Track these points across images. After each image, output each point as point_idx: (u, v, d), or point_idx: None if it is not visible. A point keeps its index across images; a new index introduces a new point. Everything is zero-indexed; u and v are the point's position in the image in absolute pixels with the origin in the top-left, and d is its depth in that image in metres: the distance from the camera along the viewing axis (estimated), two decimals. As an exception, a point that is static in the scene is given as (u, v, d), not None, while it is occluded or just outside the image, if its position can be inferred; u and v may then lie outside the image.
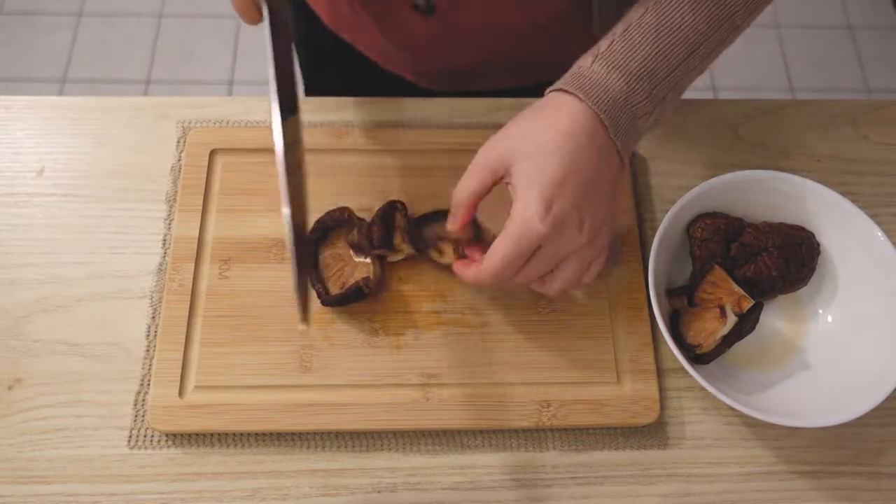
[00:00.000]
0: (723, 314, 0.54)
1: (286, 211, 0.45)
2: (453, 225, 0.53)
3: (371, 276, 0.55)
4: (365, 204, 0.61)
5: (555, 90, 0.51)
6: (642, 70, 0.49)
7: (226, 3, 1.90)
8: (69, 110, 0.66)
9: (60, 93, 1.73)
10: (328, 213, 0.58)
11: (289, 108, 0.48)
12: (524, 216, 0.47)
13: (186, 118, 0.66)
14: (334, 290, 0.56)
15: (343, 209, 0.58)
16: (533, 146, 0.49)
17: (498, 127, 0.65)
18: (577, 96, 0.49)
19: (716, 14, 0.50)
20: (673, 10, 0.50)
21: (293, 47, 0.52)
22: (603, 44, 0.51)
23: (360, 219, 0.58)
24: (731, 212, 0.60)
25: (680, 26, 0.50)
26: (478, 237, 0.56)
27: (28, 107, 0.66)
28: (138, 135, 0.65)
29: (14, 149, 0.64)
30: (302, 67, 0.90)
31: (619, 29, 0.51)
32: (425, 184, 0.62)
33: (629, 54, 0.50)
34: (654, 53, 0.50)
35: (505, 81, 0.74)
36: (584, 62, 0.51)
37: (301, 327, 0.46)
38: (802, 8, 1.91)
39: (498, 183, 0.51)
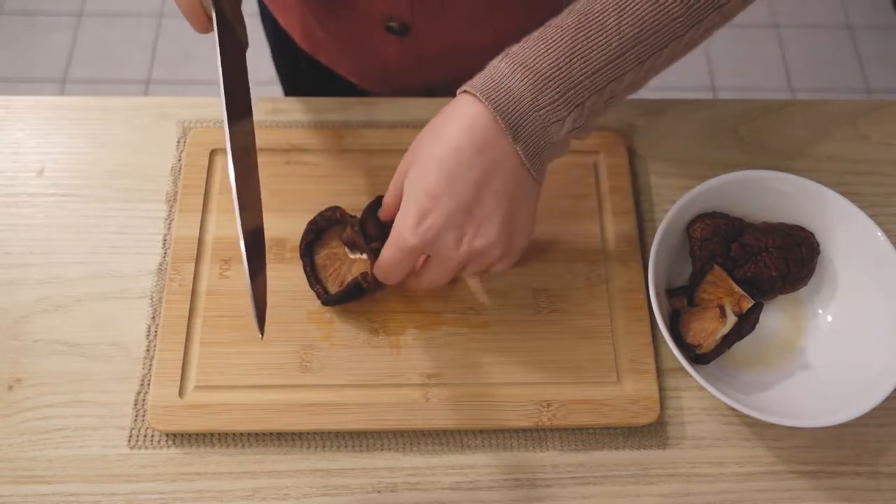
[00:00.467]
0: (723, 314, 0.54)
1: (238, 218, 0.45)
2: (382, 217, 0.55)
3: (369, 272, 0.55)
4: (365, 204, 0.61)
5: (461, 90, 0.49)
6: (553, 71, 0.46)
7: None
8: (69, 110, 0.66)
9: (60, 93, 1.73)
10: (320, 214, 0.58)
11: (240, 113, 0.48)
12: (400, 226, 0.48)
13: (186, 118, 0.66)
14: (333, 288, 0.56)
15: (335, 209, 0.58)
16: (423, 154, 0.48)
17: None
18: (477, 97, 0.46)
19: (649, 20, 0.46)
20: (596, 13, 0.46)
21: (244, 55, 0.52)
22: (516, 45, 0.48)
23: (352, 216, 0.58)
24: (731, 212, 0.60)
25: (602, 29, 0.46)
26: None
27: (28, 107, 0.66)
28: (138, 135, 0.65)
29: (14, 149, 0.64)
30: (282, 86, 0.91)
31: (537, 30, 0.48)
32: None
33: (541, 54, 0.46)
34: (568, 54, 0.46)
35: None
36: (494, 61, 0.48)
37: (259, 337, 0.46)
38: (802, 8, 1.91)
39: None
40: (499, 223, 0.48)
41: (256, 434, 0.54)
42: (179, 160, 0.64)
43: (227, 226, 0.60)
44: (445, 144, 0.47)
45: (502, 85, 0.46)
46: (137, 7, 1.84)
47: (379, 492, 0.53)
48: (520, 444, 0.55)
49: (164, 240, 0.61)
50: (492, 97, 0.46)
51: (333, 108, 0.66)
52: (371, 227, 0.56)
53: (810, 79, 1.83)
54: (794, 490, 0.54)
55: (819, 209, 0.59)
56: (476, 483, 0.53)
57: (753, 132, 0.67)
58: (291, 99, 0.67)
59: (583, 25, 0.46)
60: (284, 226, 0.60)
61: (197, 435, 0.54)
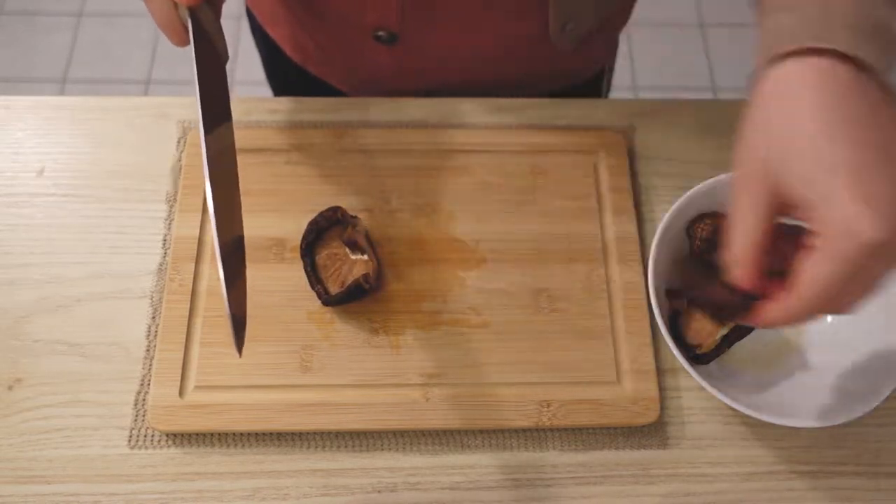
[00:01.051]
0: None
1: (214, 230, 0.43)
2: (739, 284, 0.39)
3: (370, 272, 0.55)
4: (365, 204, 0.61)
5: (777, 56, 0.38)
6: None
7: (226, 3, 1.90)
8: (69, 110, 0.66)
9: (60, 93, 1.73)
10: (321, 214, 0.58)
11: (216, 122, 0.47)
12: (840, 226, 0.33)
13: (186, 118, 0.66)
14: (334, 289, 0.56)
15: (335, 209, 0.58)
16: (802, 141, 0.35)
17: (498, 127, 0.65)
18: (806, 49, 0.36)
19: None
20: None
21: (223, 66, 0.51)
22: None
23: (353, 217, 0.58)
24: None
25: None
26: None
27: (28, 107, 0.66)
28: (138, 135, 0.65)
29: (14, 149, 0.64)
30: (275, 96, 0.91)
31: None
32: (425, 184, 0.62)
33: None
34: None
35: None
36: (778, 17, 0.38)
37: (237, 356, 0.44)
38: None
39: (783, 210, 0.37)
40: None
41: (256, 434, 0.54)
42: (179, 160, 0.64)
43: (227, 226, 0.60)
44: (822, 106, 0.35)
45: (823, 12, 0.37)
46: (137, 7, 1.83)
47: (379, 492, 0.53)
48: (520, 444, 0.55)
49: (164, 240, 0.61)
50: (821, 35, 0.36)
51: (332, 108, 0.66)
52: (719, 294, 0.43)
53: (810, 79, 1.83)
54: (794, 490, 0.54)
55: (819, 209, 0.59)
56: (476, 483, 0.53)
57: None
58: (291, 99, 0.67)
59: None
60: (284, 226, 0.60)
61: (197, 435, 0.54)
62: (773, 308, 0.38)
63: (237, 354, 0.42)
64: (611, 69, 0.83)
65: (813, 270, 0.35)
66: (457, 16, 0.63)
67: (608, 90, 0.84)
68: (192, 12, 0.47)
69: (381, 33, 0.64)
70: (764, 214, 0.37)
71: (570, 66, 0.74)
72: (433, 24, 0.63)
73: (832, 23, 0.36)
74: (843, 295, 0.35)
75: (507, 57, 0.68)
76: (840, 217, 0.33)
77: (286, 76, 0.80)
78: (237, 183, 0.47)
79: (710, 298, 0.43)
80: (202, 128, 0.45)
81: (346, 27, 0.66)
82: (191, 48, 0.47)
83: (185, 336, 0.56)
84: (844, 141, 0.34)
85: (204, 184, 0.44)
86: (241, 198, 0.61)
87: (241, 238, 0.46)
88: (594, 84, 0.80)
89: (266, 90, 0.90)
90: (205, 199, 0.61)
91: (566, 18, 0.62)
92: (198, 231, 0.59)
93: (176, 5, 0.47)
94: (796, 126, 0.36)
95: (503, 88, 0.70)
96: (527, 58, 0.67)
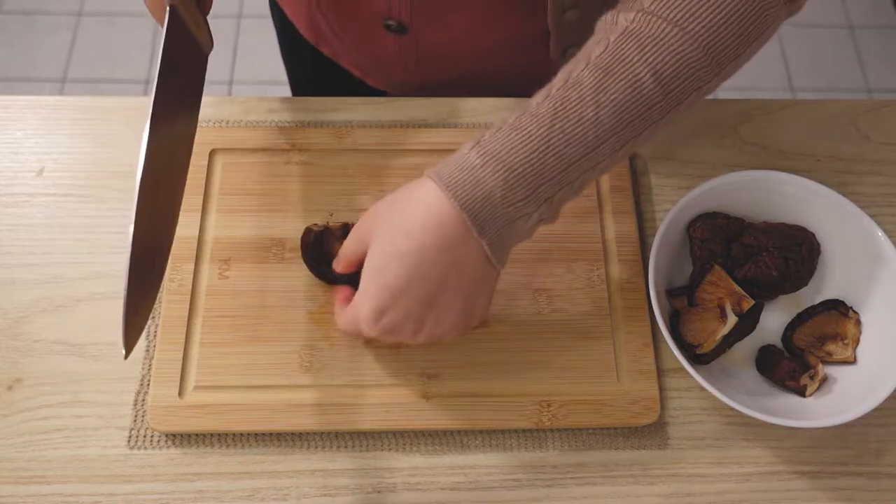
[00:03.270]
0: (723, 314, 0.54)
1: (131, 227, 0.43)
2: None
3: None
4: (365, 204, 0.61)
5: (427, 175, 0.46)
6: (525, 166, 0.44)
7: (226, 3, 1.90)
8: (69, 110, 0.66)
9: (60, 93, 1.73)
10: (307, 232, 0.57)
11: (170, 112, 0.48)
12: (358, 314, 0.48)
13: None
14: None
15: (310, 230, 0.57)
16: (386, 239, 0.46)
17: (498, 127, 0.65)
18: (444, 190, 0.44)
19: (627, 108, 0.44)
20: (573, 101, 0.44)
21: (203, 56, 0.53)
22: (488, 131, 0.45)
23: (337, 226, 0.57)
24: (732, 212, 0.60)
25: (579, 120, 0.44)
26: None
27: (28, 107, 0.66)
28: (138, 135, 0.65)
29: (14, 149, 0.64)
30: (289, 77, 0.91)
31: (511, 115, 0.45)
32: (425, 184, 0.62)
33: (514, 146, 0.44)
34: (542, 148, 0.44)
35: (480, 96, 0.75)
36: (465, 147, 0.46)
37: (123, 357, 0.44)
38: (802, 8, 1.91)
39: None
40: (457, 311, 0.48)
41: (256, 434, 0.54)
42: (179, 160, 0.63)
43: (227, 226, 0.60)
44: (409, 238, 0.45)
45: (471, 178, 0.44)
46: (137, 7, 1.84)
47: (379, 492, 0.53)
48: (520, 444, 0.55)
49: (164, 240, 0.60)
50: (459, 194, 0.44)
51: (333, 108, 0.66)
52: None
53: (810, 78, 1.83)
54: (794, 490, 0.54)
55: (819, 209, 0.59)
56: (476, 483, 0.53)
57: (753, 132, 0.67)
58: (291, 99, 0.67)
59: (559, 116, 0.44)
60: (284, 226, 0.60)
61: (197, 435, 0.54)
62: (338, 314, 0.53)
63: (123, 356, 0.44)
64: None
65: (343, 314, 0.52)
66: (465, 11, 0.63)
67: None
68: (172, 5, 0.49)
69: (390, 22, 0.64)
70: (353, 251, 0.51)
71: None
72: (443, 16, 0.64)
73: (489, 193, 0.44)
74: (352, 332, 0.52)
75: (515, 57, 0.68)
76: (362, 309, 0.48)
77: (300, 55, 0.81)
78: (183, 181, 0.49)
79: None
80: (150, 116, 0.46)
81: (358, 13, 0.66)
82: (161, 34, 0.49)
83: (184, 336, 0.56)
84: (403, 271, 0.46)
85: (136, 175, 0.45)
86: (242, 197, 0.61)
87: (169, 243, 0.49)
88: None
89: (267, 90, 0.90)
90: (205, 200, 0.61)
91: (567, 45, 0.63)
92: (197, 231, 0.59)
93: None
94: (391, 233, 0.46)
95: (511, 83, 0.70)
96: (533, 59, 0.67)
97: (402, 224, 0.46)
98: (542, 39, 0.65)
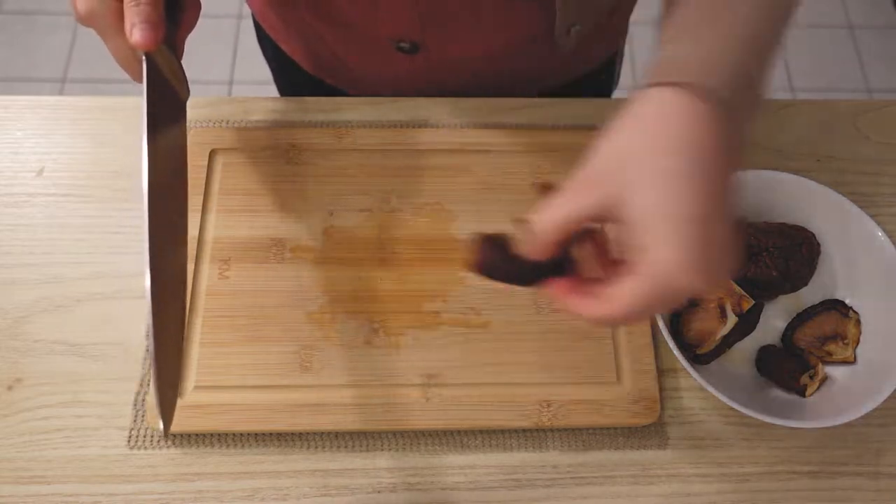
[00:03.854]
0: (723, 314, 0.54)
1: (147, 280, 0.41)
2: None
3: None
4: (365, 204, 0.61)
5: (656, 83, 0.40)
6: (724, 51, 0.40)
7: (226, 3, 1.90)
8: (69, 110, 0.66)
9: (60, 93, 1.73)
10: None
11: (161, 158, 0.46)
12: (666, 266, 0.36)
13: (186, 118, 0.66)
14: None
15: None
16: (651, 171, 0.37)
17: (498, 126, 0.65)
18: (679, 84, 0.39)
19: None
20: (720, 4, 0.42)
21: (182, 105, 0.52)
22: (665, 47, 0.42)
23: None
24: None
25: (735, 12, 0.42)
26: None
27: (28, 107, 0.66)
28: (138, 135, 0.65)
29: (14, 149, 0.64)
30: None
31: (678, 10, 0.43)
32: (425, 184, 0.62)
33: (701, 40, 0.41)
34: (725, 35, 0.41)
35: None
36: (666, 48, 0.41)
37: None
38: (802, 8, 1.91)
39: (603, 219, 0.40)
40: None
41: (256, 434, 0.54)
42: (179, 160, 0.63)
43: (227, 226, 0.60)
44: (678, 151, 0.37)
45: (696, 58, 0.40)
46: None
47: (379, 492, 0.53)
48: (520, 444, 0.55)
49: (164, 240, 0.60)
50: (694, 75, 0.39)
51: (333, 108, 0.66)
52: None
53: (811, 78, 1.83)
54: (794, 490, 0.54)
55: (819, 209, 0.59)
56: (476, 483, 0.53)
57: (753, 132, 0.67)
58: (291, 99, 0.67)
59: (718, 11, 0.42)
60: (284, 226, 0.60)
61: (197, 435, 0.54)
62: (588, 306, 0.40)
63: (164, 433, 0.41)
64: (622, 53, 0.83)
65: (629, 292, 0.38)
66: (475, 20, 0.63)
67: (619, 75, 0.85)
68: (147, 55, 0.47)
69: (403, 44, 0.64)
70: (580, 215, 0.39)
71: (584, 55, 0.74)
72: (454, 31, 0.64)
73: (715, 66, 0.39)
74: (646, 314, 0.39)
75: (525, 53, 0.68)
76: (663, 260, 0.36)
77: (296, 84, 0.80)
78: (185, 225, 0.47)
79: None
80: (145, 171, 0.44)
81: (367, 39, 0.66)
82: (143, 88, 0.47)
83: (184, 336, 0.56)
84: (687, 191, 0.37)
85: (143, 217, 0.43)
86: (242, 197, 0.61)
87: (184, 269, 0.46)
88: (607, 69, 0.80)
89: (266, 90, 0.90)
90: (205, 200, 0.61)
91: (572, 21, 0.63)
92: (197, 231, 0.59)
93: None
94: (653, 157, 0.38)
95: (521, 84, 0.70)
96: (544, 52, 0.67)
97: (665, 148, 0.38)
98: (548, 32, 0.65)
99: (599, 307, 0.39)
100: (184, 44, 0.52)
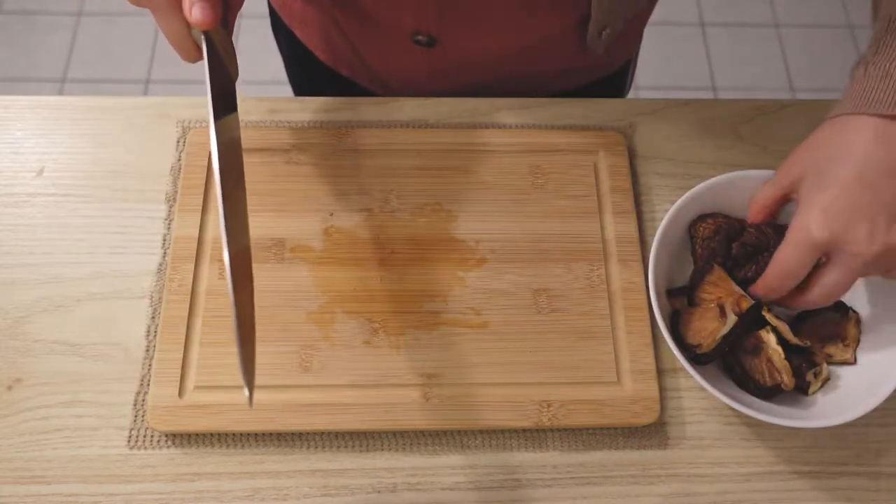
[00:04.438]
0: (722, 314, 0.54)
1: (225, 247, 0.42)
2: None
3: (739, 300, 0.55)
4: (365, 204, 0.61)
5: (841, 115, 0.50)
6: None
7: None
8: (69, 110, 0.66)
9: (60, 93, 1.73)
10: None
11: (227, 136, 0.47)
12: (801, 223, 0.47)
13: (186, 118, 0.66)
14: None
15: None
16: (825, 165, 0.48)
17: (498, 126, 0.65)
18: (864, 113, 0.48)
19: None
20: None
21: (234, 85, 0.52)
22: (870, 50, 0.50)
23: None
24: (732, 212, 0.60)
25: None
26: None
27: (28, 107, 0.66)
28: (138, 135, 0.65)
29: (14, 149, 0.64)
30: (295, 94, 0.90)
31: (871, 47, 0.50)
32: (425, 184, 0.62)
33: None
34: None
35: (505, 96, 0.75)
36: (856, 78, 0.50)
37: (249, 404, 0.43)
38: (802, 7, 1.91)
39: (788, 198, 0.53)
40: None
41: (256, 434, 0.54)
42: (179, 160, 0.63)
43: (227, 226, 0.60)
44: (853, 153, 0.47)
45: (881, 87, 0.47)
46: (137, 7, 1.84)
47: (379, 492, 0.53)
48: (520, 444, 0.55)
49: (164, 240, 0.61)
50: (875, 104, 0.47)
51: (333, 108, 0.66)
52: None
53: (810, 79, 1.83)
54: (794, 490, 0.54)
55: (819, 209, 0.59)
56: (476, 483, 0.53)
57: (753, 132, 0.67)
58: (291, 99, 0.67)
59: None
60: (284, 226, 0.60)
61: (197, 435, 0.54)
62: (758, 281, 0.53)
63: (248, 402, 0.41)
64: (636, 60, 0.83)
65: (777, 253, 0.50)
66: (494, 17, 0.63)
67: (631, 81, 0.85)
68: (206, 33, 0.48)
69: (420, 37, 0.64)
70: (778, 194, 0.53)
71: (603, 61, 0.74)
72: (472, 26, 0.64)
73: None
74: (790, 277, 0.49)
75: (543, 54, 0.68)
76: (805, 217, 0.48)
77: (311, 76, 0.80)
78: (245, 201, 0.48)
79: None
80: (215, 151, 0.45)
81: (385, 31, 0.66)
82: (204, 67, 0.48)
83: (184, 336, 0.56)
84: (846, 170, 0.47)
85: (214, 190, 0.44)
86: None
87: (248, 249, 0.46)
88: (621, 75, 0.80)
89: (267, 90, 0.90)
90: (205, 200, 0.61)
91: (604, 25, 0.63)
92: (197, 231, 0.59)
93: (188, 24, 0.48)
94: (835, 166, 0.48)
95: (536, 85, 0.70)
96: (561, 54, 0.67)
97: (840, 155, 0.48)
98: (569, 34, 0.65)
99: (762, 278, 0.52)
100: (234, 22, 0.53)
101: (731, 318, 0.54)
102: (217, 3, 0.47)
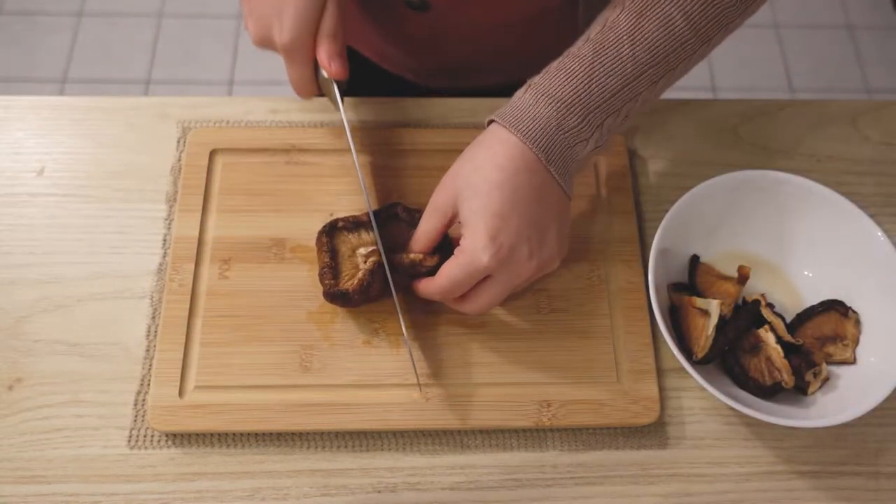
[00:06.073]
0: (704, 312, 0.54)
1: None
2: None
3: (357, 285, 0.54)
4: (363, 205, 0.61)
5: (491, 120, 0.52)
6: (574, 97, 0.50)
7: (226, 2, 1.90)
8: (69, 110, 0.66)
9: (60, 93, 1.73)
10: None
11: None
12: (471, 248, 0.49)
13: (186, 118, 0.66)
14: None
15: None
16: (476, 184, 0.50)
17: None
18: (508, 128, 0.50)
19: (660, 46, 0.50)
20: (611, 42, 0.50)
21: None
22: (537, 76, 0.52)
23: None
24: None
25: (617, 57, 0.50)
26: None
27: (28, 107, 0.66)
28: (138, 135, 0.65)
29: (14, 149, 0.64)
30: None
31: (556, 60, 0.52)
32: (425, 184, 0.62)
33: (562, 83, 0.50)
34: (586, 82, 0.50)
35: (498, 77, 0.74)
36: (518, 92, 0.52)
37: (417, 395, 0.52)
38: (802, 8, 1.91)
39: (451, 224, 0.53)
40: (555, 234, 0.51)
41: (256, 434, 0.54)
42: (179, 160, 0.64)
43: (227, 226, 0.60)
44: (500, 169, 0.49)
45: (528, 114, 0.50)
46: (137, 7, 1.84)
47: (379, 492, 0.53)
48: (520, 444, 0.55)
49: (164, 240, 0.61)
50: (521, 127, 0.50)
51: (332, 108, 0.66)
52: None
53: (810, 79, 1.83)
54: (794, 490, 0.54)
55: (818, 209, 0.59)
56: (476, 483, 0.53)
57: (753, 132, 0.67)
58: (291, 99, 0.67)
59: (599, 54, 0.50)
60: (284, 226, 0.60)
61: (197, 435, 0.54)
62: (423, 285, 0.54)
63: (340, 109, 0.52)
64: None
65: (446, 268, 0.51)
66: None
67: None
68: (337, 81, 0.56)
69: (413, 0, 0.64)
70: (435, 222, 0.53)
71: None
72: None
73: (545, 124, 0.50)
74: (458, 291, 0.51)
75: (532, 26, 0.68)
76: (474, 242, 0.49)
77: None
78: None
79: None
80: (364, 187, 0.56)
81: None
82: (339, 107, 0.57)
83: (184, 336, 0.56)
84: (505, 195, 0.49)
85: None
86: (242, 197, 0.61)
87: None
88: None
89: (267, 90, 0.90)
90: (205, 200, 0.61)
91: (596, 12, 0.63)
92: (197, 231, 0.59)
93: (316, 68, 0.56)
94: (480, 176, 0.50)
95: (530, 59, 0.70)
96: (555, 28, 0.67)
97: (487, 162, 0.50)
98: (561, 13, 0.65)
99: (427, 284, 0.53)
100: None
101: (715, 312, 0.54)
102: (346, 56, 0.56)
